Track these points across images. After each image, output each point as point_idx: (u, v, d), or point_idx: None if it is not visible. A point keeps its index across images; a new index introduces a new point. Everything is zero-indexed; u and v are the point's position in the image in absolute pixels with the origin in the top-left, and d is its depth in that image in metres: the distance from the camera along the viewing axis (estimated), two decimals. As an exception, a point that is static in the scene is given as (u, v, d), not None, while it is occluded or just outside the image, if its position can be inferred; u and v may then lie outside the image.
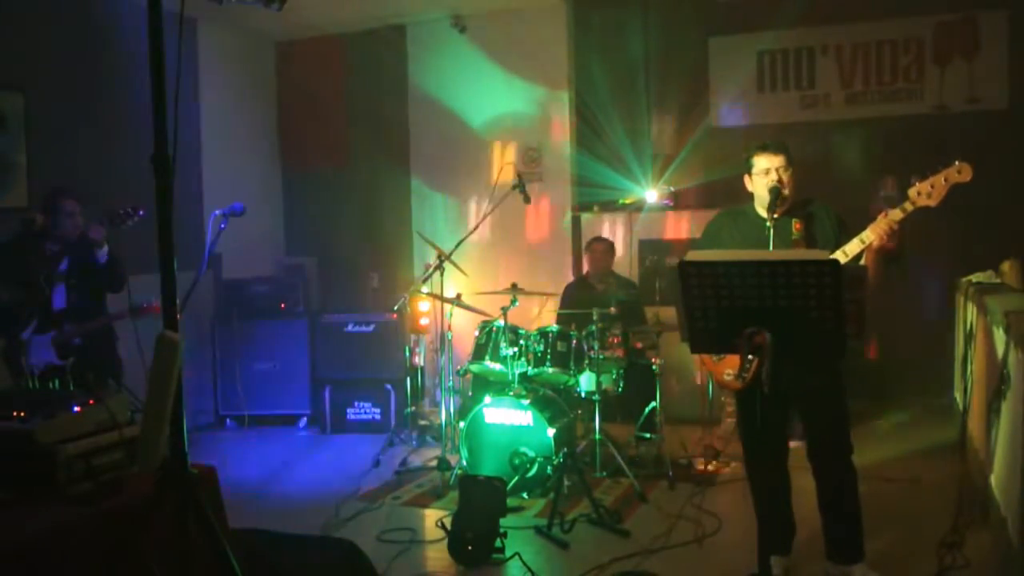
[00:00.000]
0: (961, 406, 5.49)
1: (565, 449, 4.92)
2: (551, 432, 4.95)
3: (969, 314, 5.31)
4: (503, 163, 7.57)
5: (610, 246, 6.46)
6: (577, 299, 6.06)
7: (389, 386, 6.82)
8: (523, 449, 5.00)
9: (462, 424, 5.24)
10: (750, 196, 3.70)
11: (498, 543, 4.07)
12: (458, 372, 5.95)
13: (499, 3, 7.41)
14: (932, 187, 3.27)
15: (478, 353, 5.46)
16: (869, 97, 6.95)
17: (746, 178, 3.68)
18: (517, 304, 5.49)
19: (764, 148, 3.60)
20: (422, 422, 6.54)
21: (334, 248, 8.28)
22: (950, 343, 6.40)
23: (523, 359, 5.34)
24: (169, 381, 1.91)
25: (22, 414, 2.28)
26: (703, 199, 7.03)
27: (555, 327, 5.51)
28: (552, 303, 6.45)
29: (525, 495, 4.97)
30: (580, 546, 4.25)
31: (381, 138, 8.14)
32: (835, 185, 6.82)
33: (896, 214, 3.30)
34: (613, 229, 7.29)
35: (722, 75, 7.34)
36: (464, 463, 5.21)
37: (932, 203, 3.28)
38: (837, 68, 7.01)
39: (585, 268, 6.63)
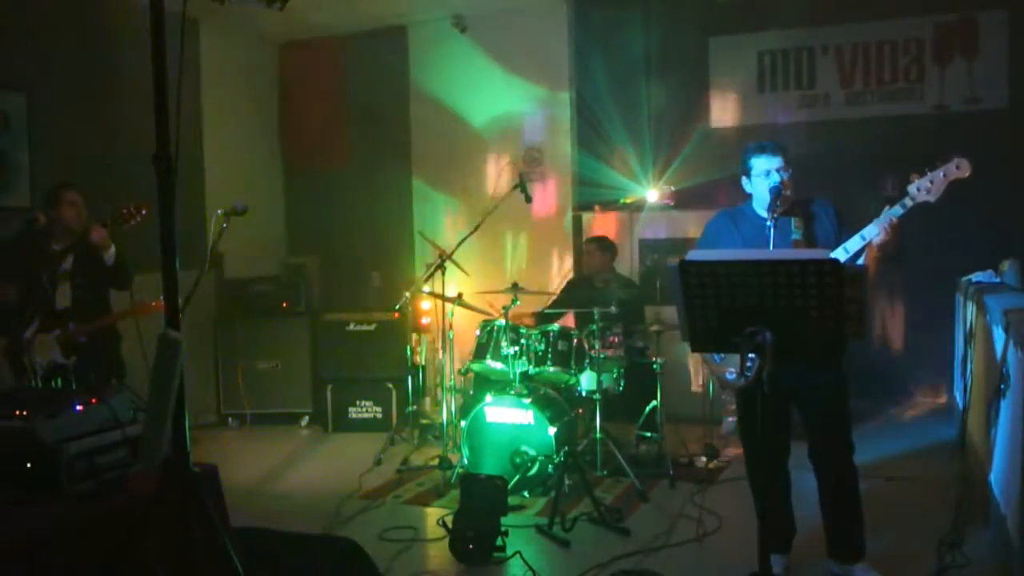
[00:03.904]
0: (961, 406, 5.50)
1: (566, 448, 4.92)
2: (552, 431, 4.96)
3: (969, 314, 5.32)
4: (504, 163, 7.59)
5: (605, 245, 6.35)
6: (577, 296, 6.06)
7: (390, 385, 6.83)
8: (524, 448, 5.01)
9: (463, 423, 5.24)
10: (748, 196, 3.71)
11: (499, 542, 4.08)
12: (459, 371, 5.96)
13: (500, 3, 7.42)
14: (931, 183, 3.28)
15: (479, 352, 5.47)
16: (869, 97, 6.96)
17: (744, 179, 3.69)
18: (518, 303, 5.50)
19: (762, 149, 3.59)
20: (423, 421, 6.55)
21: (336, 247, 8.29)
22: (950, 343, 6.41)
23: (524, 358, 5.35)
24: (171, 380, 1.92)
25: (25, 413, 2.29)
26: (703, 199, 7.03)
27: (556, 326, 5.51)
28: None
29: (526, 494, 4.98)
30: (581, 545, 4.26)
31: (382, 138, 8.15)
32: (835, 185, 6.81)
33: (896, 210, 3.31)
34: (614, 229, 7.30)
35: (722, 75, 7.34)
36: (465, 462, 5.22)
37: (931, 199, 3.29)
38: (837, 68, 7.01)
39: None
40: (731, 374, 3.64)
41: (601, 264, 6.28)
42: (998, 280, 5.36)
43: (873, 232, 3.33)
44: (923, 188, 3.29)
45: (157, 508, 2.00)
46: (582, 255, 6.45)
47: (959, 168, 3.26)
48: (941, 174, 3.27)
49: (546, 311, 6.09)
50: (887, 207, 3.34)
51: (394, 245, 8.17)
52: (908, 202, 3.31)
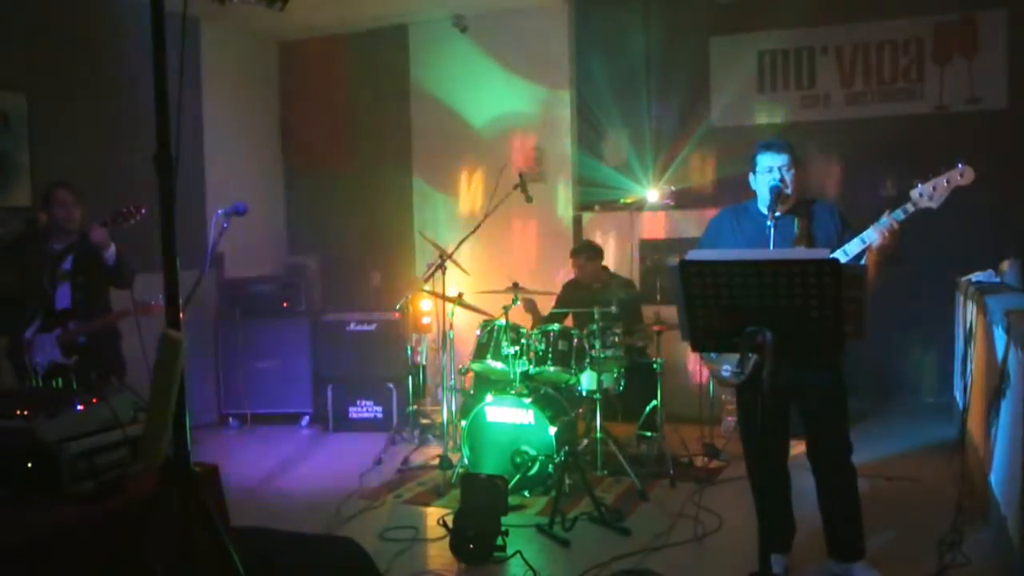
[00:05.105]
0: (961, 405, 5.50)
1: (566, 447, 4.93)
2: (552, 431, 4.96)
3: (969, 314, 5.32)
4: (504, 163, 7.58)
5: (592, 254, 6.23)
6: (574, 299, 6.05)
7: (391, 385, 6.83)
8: (524, 447, 5.01)
9: (464, 423, 5.25)
10: (753, 194, 3.71)
11: (499, 541, 4.08)
12: (460, 371, 5.96)
13: (500, 3, 7.42)
14: (934, 189, 3.27)
15: (480, 352, 5.47)
16: (869, 97, 6.96)
17: (750, 176, 3.69)
18: (519, 303, 5.50)
19: (768, 147, 3.61)
20: (424, 421, 6.56)
21: (336, 247, 8.30)
22: (950, 343, 6.40)
23: (524, 358, 5.35)
24: (172, 380, 1.91)
25: (25, 413, 2.29)
26: (704, 199, 7.04)
27: (556, 326, 5.51)
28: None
29: (526, 493, 4.98)
30: (581, 544, 4.27)
31: (383, 138, 8.16)
32: (835, 185, 6.84)
33: (897, 215, 3.31)
34: (614, 229, 7.30)
35: (722, 75, 7.34)
36: (466, 461, 5.23)
37: (933, 205, 3.28)
38: (837, 68, 7.01)
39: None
40: (726, 371, 3.65)
41: (594, 271, 6.20)
42: (998, 280, 5.36)
43: (873, 236, 3.33)
44: (925, 194, 3.28)
45: (157, 508, 2.00)
46: (574, 267, 6.35)
47: (963, 176, 3.25)
48: (944, 181, 3.26)
49: (550, 312, 6.10)
50: (888, 211, 3.33)
51: (394, 245, 8.17)
52: (910, 207, 3.31)
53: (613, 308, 5.33)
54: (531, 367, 5.37)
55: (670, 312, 5.20)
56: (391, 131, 8.12)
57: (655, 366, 5.56)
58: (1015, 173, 6.22)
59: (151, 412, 1.97)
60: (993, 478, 4.15)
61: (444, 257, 5.53)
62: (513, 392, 5.17)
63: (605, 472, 5.32)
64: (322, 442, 6.68)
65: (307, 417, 7.18)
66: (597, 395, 5.29)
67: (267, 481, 5.61)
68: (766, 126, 7.05)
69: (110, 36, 6.30)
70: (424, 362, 7.03)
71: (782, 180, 3.52)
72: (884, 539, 4.07)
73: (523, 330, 5.46)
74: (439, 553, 4.19)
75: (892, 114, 6.86)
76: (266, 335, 7.15)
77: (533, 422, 5.03)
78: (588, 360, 5.39)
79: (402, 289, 7.04)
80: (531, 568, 3.90)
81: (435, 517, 4.63)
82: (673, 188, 7.17)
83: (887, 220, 3.32)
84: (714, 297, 2.57)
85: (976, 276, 5.51)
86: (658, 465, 5.40)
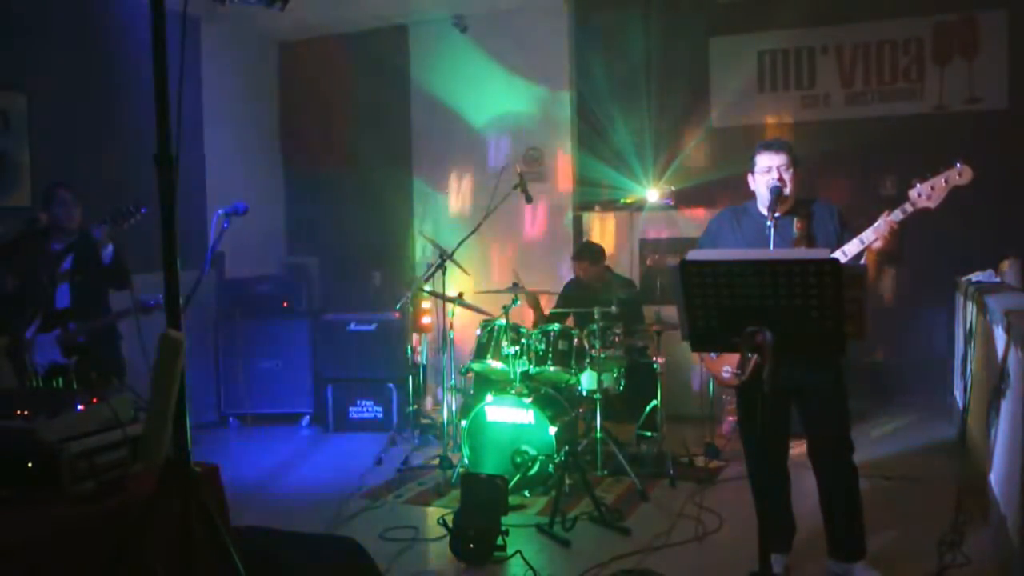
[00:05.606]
0: (961, 405, 5.50)
1: (566, 447, 4.92)
2: (552, 430, 4.96)
3: (969, 314, 5.32)
4: (504, 163, 7.58)
5: (594, 257, 6.18)
6: (575, 299, 6.05)
7: (391, 385, 6.83)
8: (525, 447, 5.01)
9: (464, 422, 5.25)
10: (753, 194, 3.71)
11: (500, 541, 4.08)
12: (460, 371, 5.96)
13: (501, 3, 7.42)
14: (932, 189, 3.27)
15: (480, 352, 5.47)
16: (869, 97, 6.96)
17: (749, 176, 3.69)
18: (519, 303, 5.50)
19: (767, 146, 3.61)
20: (424, 420, 6.56)
21: (336, 247, 8.30)
22: (950, 343, 6.41)
23: (525, 358, 5.35)
24: (172, 380, 1.92)
25: (25, 413, 2.29)
26: (704, 198, 7.04)
27: (556, 326, 5.51)
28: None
29: (527, 493, 4.98)
30: (581, 544, 4.26)
31: (383, 138, 8.16)
32: (835, 185, 6.84)
33: (896, 215, 3.31)
34: (614, 229, 7.30)
35: (722, 75, 7.35)
36: (466, 461, 5.23)
37: (932, 205, 3.28)
38: (837, 68, 7.02)
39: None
40: (727, 372, 3.65)
41: (596, 273, 6.16)
42: (998, 280, 5.37)
43: (871, 237, 3.33)
44: (924, 194, 3.28)
45: (157, 508, 2.00)
46: (577, 269, 6.32)
47: (961, 175, 3.25)
48: (943, 180, 3.26)
49: (551, 312, 6.09)
50: (886, 212, 3.33)
51: (394, 245, 8.18)
52: (908, 207, 3.31)
53: (613, 308, 5.33)
54: (531, 367, 5.37)
55: (670, 312, 5.21)
56: (391, 131, 8.12)
57: (655, 366, 5.56)
58: (1015, 173, 6.23)
59: (151, 412, 1.97)
60: (993, 478, 4.15)
61: (444, 257, 5.53)
62: (513, 392, 5.17)
63: (605, 472, 5.31)
64: (322, 442, 6.67)
65: (307, 417, 7.18)
66: (597, 395, 5.29)
67: (267, 481, 5.61)
68: (766, 126, 7.05)
69: (110, 36, 6.31)
70: (424, 362, 7.03)
71: (781, 179, 3.52)
72: (884, 539, 4.07)
73: (523, 330, 5.46)
74: (439, 553, 4.19)
75: (892, 114, 6.87)
76: (266, 335, 7.15)
77: (533, 422, 5.03)
78: (588, 360, 5.39)
79: (402, 289, 7.04)
80: (531, 568, 3.90)
81: (435, 517, 4.63)
82: (673, 188, 7.17)
83: (885, 222, 3.32)
84: (714, 297, 2.57)
85: (976, 276, 5.52)
86: (658, 465, 5.40)
